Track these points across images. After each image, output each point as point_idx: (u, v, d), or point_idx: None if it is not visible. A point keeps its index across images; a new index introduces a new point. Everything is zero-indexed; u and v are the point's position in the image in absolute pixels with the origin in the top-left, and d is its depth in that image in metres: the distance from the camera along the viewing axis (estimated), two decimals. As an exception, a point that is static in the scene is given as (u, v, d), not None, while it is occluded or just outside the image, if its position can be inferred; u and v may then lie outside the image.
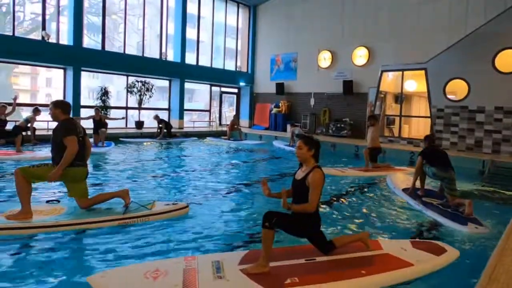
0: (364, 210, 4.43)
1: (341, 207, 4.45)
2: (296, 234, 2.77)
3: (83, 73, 11.80)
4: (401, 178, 5.98)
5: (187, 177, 6.11)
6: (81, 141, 3.59)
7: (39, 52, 10.55)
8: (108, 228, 3.37)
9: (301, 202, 2.68)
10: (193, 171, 6.76)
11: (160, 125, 11.53)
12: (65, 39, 11.59)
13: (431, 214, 4.17)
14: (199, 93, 25.01)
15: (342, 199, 4.89)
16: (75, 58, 11.28)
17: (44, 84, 19.29)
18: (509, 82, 8.93)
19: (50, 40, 10.97)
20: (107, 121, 11.85)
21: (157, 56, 13.96)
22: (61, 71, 11.72)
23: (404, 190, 5.13)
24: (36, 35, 11.50)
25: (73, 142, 3.43)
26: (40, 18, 11.23)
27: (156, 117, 11.64)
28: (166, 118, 13.32)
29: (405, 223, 4.03)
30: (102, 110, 11.05)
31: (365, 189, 5.62)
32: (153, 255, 2.88)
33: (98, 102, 11.79)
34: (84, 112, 11.34)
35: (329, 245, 2.77)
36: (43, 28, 10.89)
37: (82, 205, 3.63)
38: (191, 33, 15.35)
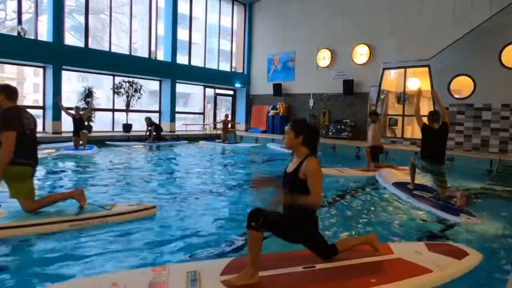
0: (365, 211, 4.31)
1: (339, 209, 4.30)
2: (289, 239, 2.45)
3: (69, 75, 11.67)
4: (391, 173, 6.07)
5: (166, 181, 5.92)
6: (29, 135, 3.22)
7: (14, 49, 10.19)
8: (58, 233, 3.01)
9: (291, 192, 2.43)
10: (172, 173, 6.63)
11: (150, 128, 11.43)
12: (45, 36, 11.30)
13: (423, 206, 4.29)
14: (193, 97, 25.00)
15: (340, 200, 4.75)
16: (55, 55, 10.99)
17: (31, 90, 19.07)
18: (516, 78, 8.92)
19: (27, 36, 10.69)
20: (92, 123, 11.83)
21: (146, 55, 13.89)
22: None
23: (395, 184, 5.27)
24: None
25: (9, 139, 3.01)
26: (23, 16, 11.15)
27: (148, 119, 11.56)
28: (156, 121, 13.20)
29: (410, 222, 3.92)
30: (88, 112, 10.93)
31: (365, 189, 5.49)
32: (115, 264, 2.58)
33: (81, 104, 11.62)
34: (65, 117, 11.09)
35: (330, 249, 2.49)
36: (19, 23, 10.60)
37: (27, 207, 3.23)
38: (183, 34, 15.35)
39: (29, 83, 20.18)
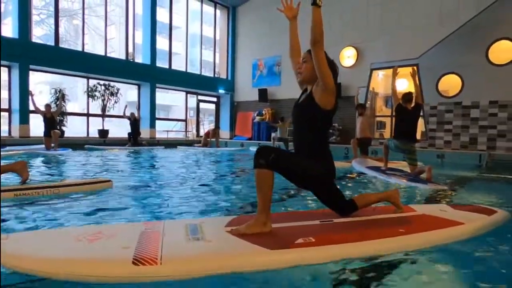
0: (344, 189, 4.49)
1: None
2: (300, 180, 2.30)
3: (42, 78, 11.50)
4: (365, 160, 6.80)
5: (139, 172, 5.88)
6: None
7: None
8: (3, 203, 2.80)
9: (302, 128, 2.35)
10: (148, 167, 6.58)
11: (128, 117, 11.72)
12: (10, 31, 11.01)
13: (394, 180, 4.90)
14: (176, 110, 25.04)
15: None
16: (21, 53, 10.71)
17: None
18: (503, 74, 9.38)
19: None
20: (64, 128, 11.70)
21: (124, 57, 13.90)
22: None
23: (368, 167, 5.89)
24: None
25: None
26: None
27: (132, 115, 11.90)
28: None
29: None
30: (59, 116, 10.77)
31: (345, 174, 5.91)
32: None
33: (53, 107, 11.40)
34: (34, 121, 10.88)
35: (348, 204, 2.40)
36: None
37: None
38: (163, 43, 15.45)
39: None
